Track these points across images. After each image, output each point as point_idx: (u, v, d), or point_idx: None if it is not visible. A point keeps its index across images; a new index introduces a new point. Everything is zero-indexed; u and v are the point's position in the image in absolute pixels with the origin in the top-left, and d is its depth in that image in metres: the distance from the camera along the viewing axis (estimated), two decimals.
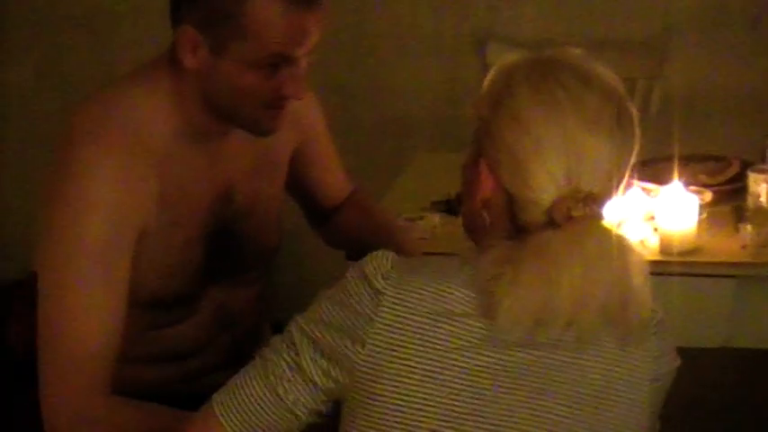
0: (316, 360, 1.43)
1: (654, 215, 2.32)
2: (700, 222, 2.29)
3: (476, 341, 1.39)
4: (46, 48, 3.75)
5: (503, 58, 1.51)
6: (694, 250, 2.27)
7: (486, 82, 1.48)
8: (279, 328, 2.13)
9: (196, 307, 1.89)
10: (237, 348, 1.96)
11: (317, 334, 1.44)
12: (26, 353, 3.12)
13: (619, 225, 2.18)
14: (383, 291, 1.41)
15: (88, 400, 1.68)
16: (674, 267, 2.21)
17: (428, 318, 1.39)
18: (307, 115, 2.02)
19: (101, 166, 1.69)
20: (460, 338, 1.39)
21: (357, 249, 2.12)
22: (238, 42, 1.67)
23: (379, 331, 1.40)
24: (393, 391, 1.39)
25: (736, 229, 2.34)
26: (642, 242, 2.27)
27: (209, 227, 1.85)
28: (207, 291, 1.89)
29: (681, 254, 2.25)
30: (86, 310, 1.68)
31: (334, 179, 2.16)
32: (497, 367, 1.39)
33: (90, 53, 3.69)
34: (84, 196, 1.68)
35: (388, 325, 1.40)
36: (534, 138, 1.40)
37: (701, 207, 2.31)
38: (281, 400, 1.44)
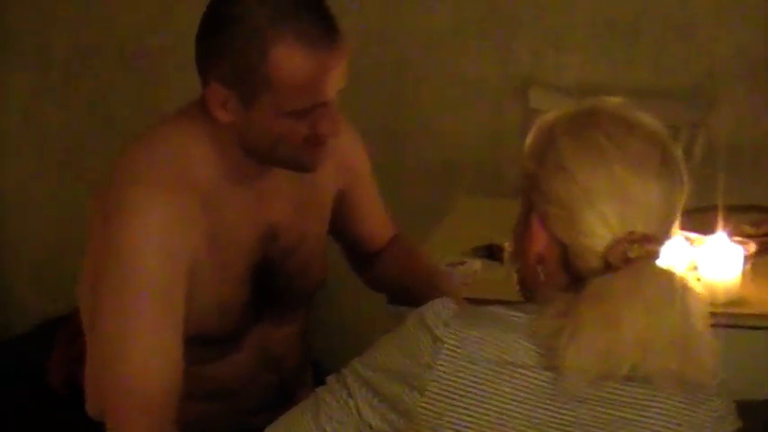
0: (373, 404, 1.44)
1: (697, 265, 2.30)
2: (744, 273, 2.27)
3: (539, 393, 1.39)
4: (90, 87, 3.78)
5: (542, 114, 1.52)
6: (738, 301, 2.25)
7: (529, 138, 1.50)
8: (318, 368, 2.14)
9: (239, 344, 1.89)
10: (283, 389, 1.97)
11: (375, 379, 1.44)
12: (65, 389, 3.14)
13: None
14: (443, 338, 1.41)
15: None
16: (717, 318, 2.18)
17: (489, 367, 1.39)
18: (353, 157, 2.03)
19: (149, 206, 1.70)
20: (523, 390, 1.39)
21: (399, 294, 2.13)
22: (267, 95, 1.68)
23: (437, 379, 1.40)
24: None
25: None
26: None
27: (254, 265, 1.86)
28: (251, 328, 1.90)
29: (725, 305, 2.23)
30: (151, 352, 1.69)
31: (377, 223, 2.16)
32: (560, 421, 1.39)
33: (134, 91, 3.72)
34: (137, 239, 1.69)
35: (448, 373, 1.40)
36: (582, 184, 1.41)
37: (746, 258, 2.29)
38: None
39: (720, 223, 2.33)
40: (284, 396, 1.96)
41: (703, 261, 2.28)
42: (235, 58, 1.67)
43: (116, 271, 1.70)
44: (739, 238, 2.37)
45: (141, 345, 1.69)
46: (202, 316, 1.80)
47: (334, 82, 1.71)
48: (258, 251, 1.86)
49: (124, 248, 1.69)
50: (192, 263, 1.74)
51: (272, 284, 1.89)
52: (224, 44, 1.68)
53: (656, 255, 1.42)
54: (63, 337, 3.31)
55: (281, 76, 1.66)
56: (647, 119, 1.47)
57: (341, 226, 2.09)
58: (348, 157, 2.00)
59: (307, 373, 2.08)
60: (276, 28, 1.65)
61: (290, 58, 1.66)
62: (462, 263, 2.46)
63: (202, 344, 1.83)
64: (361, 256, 2.19)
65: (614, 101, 1.49)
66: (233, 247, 1.82)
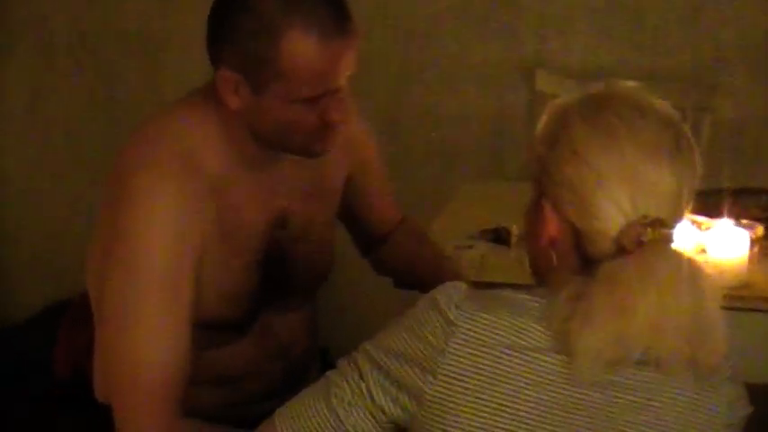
0: (384, 387, 1.44)
1: (704, 248, 2.30)
2: (751, 256, 2.27)
3: (551, 377, 1.38)
4: (95, 73, 3.77)
5: (550, 97, 1.51)
6: (745, 284, 2.25)
7: (540, 123, 1.49)
8: (325, 354, 2.14)
9: (246, 331, 1.89)
10: (291, 375, 1.97)
11: (386, 361, 1.44)
12: (72, 376, 3.14)
13: None
14: (456, 322, 1.41)
15: (167, 426, 1.69)
16: (724, 301, 2.18)
17: (501, 351, 1.39)
18: (361, 143, 2.03)
19: (158, 193, 1.70)
20: (535, 373, 1.38)
21: (406, 278, 2.13)
22: (278, 82, 1.68)
23: (450, 362, 1.40)
24: (466, 423, 1.39)
25: None
26: None
27: (264, 251, 1.86)
28: (258, 315, 1.90)
29: (732, 288, 2.22)
30: (157, 338, 1.69)
31: (385, 207, 2.17)
32: (572, 405, 1.39)
33: (139, 77, 3.71)
34: (145, 224, 1.69)
35: (461, 356, 1.40)
36: (595, 168, 1.40)
37: (753, 241, 2.29)
38: (341, 422, 1.46)
39: (727, 206, 2.33)
40: (290, 383, 1.96)
41: (711, 244, 2.27)
42: (246, 46, 1.66)
43: (123, 257, 1.70)
44: (746, 221, 2.37)
45: (147, 330, 1.69)
46: (210, 302, 1.79)
47: (345, 69, 1.71)
48: (267, 237, 1.86)
49: (132, 234, 1.69)
50: (200, 249, 1.74)
51: (280, 271, 1.89)
52: (236, 31, 1.67)
53: (669, 238, 1.42)
54: (67, 324, 3.31)
55: (293, 64, 1.66)
56: (660, 103, 1.46)
57: (350, 211, 2.09)
58: (357, 143, 1.99)
59: (314, 360, 2.07)
60: (288, 16, 1.64)
61: (301, 47, 1.65)
62: (469, 246, 2.46)
63: (210, 329, 1.83)
64: (369, 241, 2.20)
65: (627, 85, 1.49)
66: (242, 233, 1.81)
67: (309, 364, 2.04)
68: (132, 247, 1.69)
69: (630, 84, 1.50)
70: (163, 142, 1.75)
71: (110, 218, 1.73)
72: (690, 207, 1.47)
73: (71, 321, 3.27)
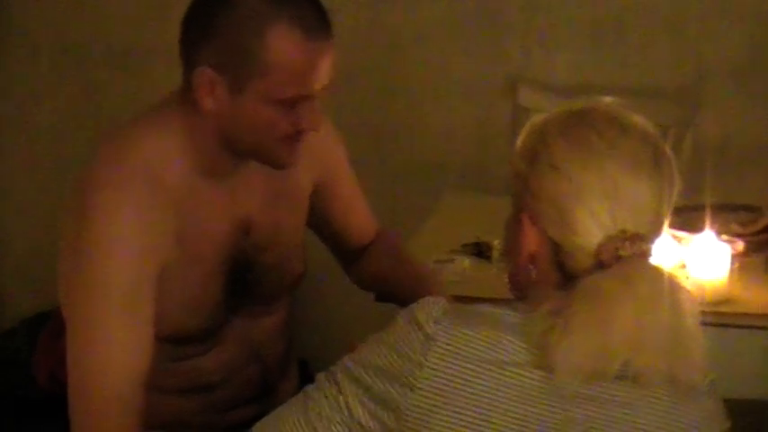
0: (363, 402, 1.44)
1: (685, 264, 2.30)
2: (731, 272, 2.27)
3: (530, 391, 1.39)
4: (78, 85, 3.77)
5: (532, 113, 1.52)
6: (726, 300, 2.25)
7: (520, 139, 1.50)
8: (305, 365, 2.14)
9: (220, 338, 1.89)
10: (266, 381, 1.97)
11: (365, 376, 1.44)
12: (49, 384, 3.13)
13: None
14: (434, 336, 1.41)
15: None
16: (705, 317, 2.19)
17: (480, 365, 1.39)
18: (328, 150, 2.02)
19: (119, 211, 1.70)
20: (514, 388, 1.39)
21: (386, 291, 2.13)
22: (258, 79, 1.68)
23: (429, 377, 1.40)
24: None
25: None
26: None
27: (228, 260, 1.86)
28: (230, 322, 1.90)
29: (712, 304, 2.22)
30: (115, 354, 1.69)
31: (358, 218, 2.16)
32: (551, 419, 1.39)
33: (123, 91, 3.70)
34: (106, 242, 1.70)
35: (439, 371, 1.40)
36: (574, 183, 1.41)
37: (733, 257, 2.29)
38: None
39: (708, 222, 2.33)
40: (266, 389, 1.96)
41: (691, 260, 2.28)
42: (230, 40, 1.67)
43: (85, 273, 1.71)
44: (727, 237, 2.37)
45: (107, 348, 1.69)
46: (178, 313, 1.80)
47: (323, 74, 1.72)
48: (231, 245, 1.86)
49: (93, 251, 1.70)
50: (162, 263, 1.75)
51: (247, 278, 1.89)
52: (219, 26, 1.68)
53: (647, 253, 1.42)
54: (48, 333, 3.30)
55: (276, 59, 1.66)
56: (639, 119, 1.47)
57: (321, 220, 2.08)
58: (324, 151, 1.99)
59: (290, 366, 2.07)
60: (274, 11, 1.66)
61: (286, 42, 1.66)
62: (450, 260, 2.46)
63: (181, 341, 1.83)
64: (347, 253, 2.19)
65: (606, 101, 1.50)
66: (205, 243, 1.82)
67: (286, 369, 2.04)
68: (93, 263, 1.70)
69: (610, 100, 1.50)
70: (126, 160, 1.74)
71: (72, 235, 1.73)
72: (669, 222, 1.47)
73: (51, 331, 3.27)
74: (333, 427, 1.45)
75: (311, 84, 1.71)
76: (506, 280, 1.55)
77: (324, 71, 1.71)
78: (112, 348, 1.69)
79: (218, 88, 1.70)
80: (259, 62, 1.67)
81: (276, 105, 1.70)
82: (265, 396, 1.94)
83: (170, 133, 1.77)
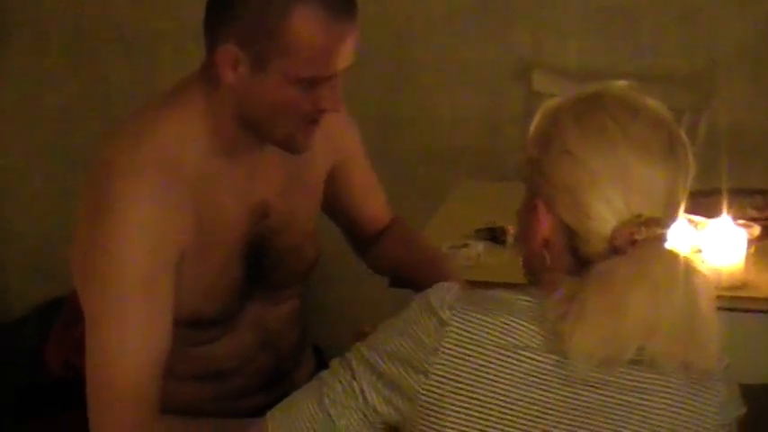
0: (377, 388, 1.44)
1: (701, 248, 2.29)
2: (747, 257, 2.26)
3: (544, 377, 1.39)
4: (87, 72, 3.77)
5: (545, 98, 1.51)
6: (742, 285, 2.25)
7: (533, 124, 1.50)
8: (319, 352, 2.13)
9: (234, 324, 1.89)
10: (280, 369, 1.97)
11: (379, 362, 1.44)
12: (64, 371, 3.14)
13: None
14: (448, 322, 1.41)
15: (138, 428, 1.69)
16: (721, 302, 2.18)
17: (494, 350, 1.39)
18: (343, 136, 2.02)
19: (138, 199, 1.69)
20: (528, 373, 1.39)
21: (400, 277, 2.12)
22: (282, 58, 1.68)
23: (443, 362, 1.40)
24: (458, 422, 1.39)
25: None
26: None
27: (246, 244, 1.86)
28: (245, 308, 1.89)
29: (728, 288, 2.22)
30: (133, 342, 1.69)
31: (373, 204, 2.16)
32: (565, 405, 1.39)
33: (132, 75, 3.71)
34: (124, 231, 1.69)
35: (453, 356, 1.40)
36: (588, 168, 1.40)
37: (749, 241, 2.28)
38: (333, 422, 1.46)
39: (724, 207, 2.33)
40: (281, 377, 1.96)
41: (707, 245, 2.27)
42: (254, 19, 1.66)
43: (103, 263, 1.70)
44: (743, 222, 2.36)
45: (126, 335, 1.69)
46: (196, 298, 1.79)
47: (346, 55, 1.71)
48: (249, 229, 1.85)
49: (112, 241, 1.69)
50: (180, 250, 1.74)
51: (263, 263, 1.89)
52: (245, 3, 1.67)
53: (662, 238, 1.41)
54: (61, 321, 3.30)
55: (299, 39, 1.66)
56: (653, 103, 1.46)
57: (336, 205, 2.08)
58: (340, 136, 1.99)
59: (304, 353, 2.07)
60: None
61: (310, 22, 1.66)
62: (465, 245, 2.46)
63: (196, 326, 1.83)
64: (361, 238, 2.18)
65: (620, 85, 1.49)
66: (223, 227, 1.81)
67: (300, 358, 2.03)
68: (112, 253, 1.69)
69: (623, 83, 1.49)
70: (141, 145, 1.73)
71: (88, 224, 1.73)
72: (684, 207, 1.46)
73: (64, 318, 3.27)
74: (347, 413, 1.45)
75: (334, 64, 1.70)
76: (520, 264, 1.55)
77: (348, 52, 1.71)
78: (131, 336, 1.69)
79: (241, 66, 1.69)
80: (283, 41, 1.66)
81: (298, 85, 1.70)
82: (278, 384, 1.94)
83: (189, 113, 1.77)
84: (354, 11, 1.71)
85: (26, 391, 3.22)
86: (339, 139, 2.00)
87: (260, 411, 1.57)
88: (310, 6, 1.65)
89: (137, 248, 1.69)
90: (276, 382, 1.94)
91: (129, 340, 1.69)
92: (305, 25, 1.66)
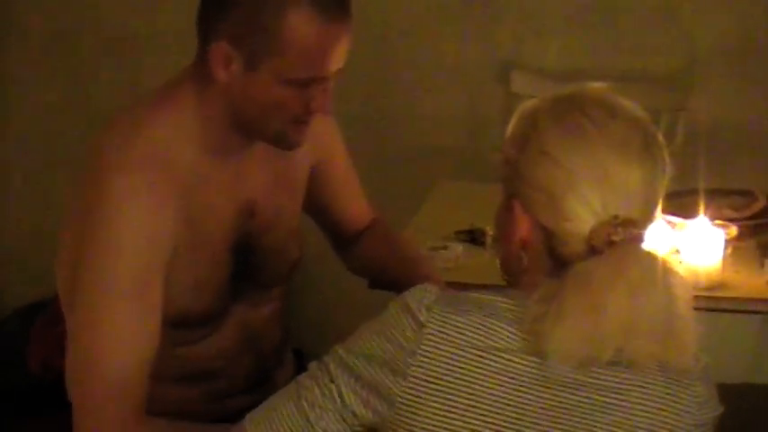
0: (355, 390, 1.44)
1: (678, 249, 2.30)
2: (725, 257, 2.27)
3: (522, 378, 1.39)
4: (71, 72, 3.76)
5: (524, 99, 1.52)
6: (719, 285, 2.26)
7: (511, 125, 1.50)
8: (299, 354, 2.14)
9: (220, 324, 1.89)
10: (262, 370, 1.97)
11: (357, 364, 1.44)
12: (44, 373, 3.13)
13: None
14: (426, 323, 1.41)
15: (121, 426, 1.69)
16: (699, 302, 2.19)
17: (472, 352, 1.39)
18: (324, 135, 2.01)
19: (129, 198, 1.69)
20: (507, 374, 1.39)
21: (380, 278, 2.13)
22: (274, 58, 1.68)
23: (421, 364, 1.40)
24: (436, 424, 1.39)
25: (762, 265, 2.33)
26: None
27: (233, 242, 1.86)
28: (231, 308, 1.89)
29: (706, 289, 2.23)
30: (121, 340, 1.68)
31: (354, 203, 2.16)
32: (543, 406, 1.39)
33: (116, 77, 3.70)
34: (116, 229, 1.69)
35: (431, 358, 1.40)
36: (565, 169, 1.40)
37: (727, 242, 2.29)
38: (311, 425, 1.45)
39: (701, 207, 2.33)
40: (263, 377, 1.96)
41: (685, 245, 2.28)
42: (249, 16, 1.66)
43: (95, 258, 1.70)
44: (720, 222, 2.37)
45: (114, 334, 1.69)
46: (184, 296, 1.79)
47: (339, 57, 1.71)
48: (236, 228, 1.86)
49: (104, 237, 1.69)
50: (171, 248, 1.74)
51: (250, 261, 1.89)
52: (239, 1, 1.67)
53: (639, 238, 1.42)
54: (42, 322, 3.30)
55: (294, 39, 1.66)
56: (630, 104, 1.47)
57: (317, 204, 2.08)
58: (321, 135, 1.98)
59: (285, 354, 2.07)
60: None
61: (305, 23, 1.66)
62: (444, 247, 2.46)
63: (182, 325, 1.82)
64: (342, 238, 2.19)
65: (597, 86, 1.50)
66: (212, 225, 1.82)
67: (282, 359, 2.04)
68: (103, 251, 1.69)
69: (600, 85, 1.50)
70: (133, 144, 1.74)
71: (80, 221, 1.72)
72: (661, 207, 1.47)
73: (45, 319, 3.27)
74: (325, 416, 1.45)
75: (327, 66, 1.70)
76: (498, 266, 1.55)
77: (340, 54, 1.71)
78: (119, 334, 1.68)
79: (234, 64, 1.70)
80: (276, 41, 1.66)
81: (289, 85, 1.70)
82: (261, 385, 1.94)
83: (181, 111, 1.77)
84: (349, 13, 1.71)
85: (9, 392, 3.21)
86: (321, 138, 2.00)
87: (243, 413, 1.56)
88: (306, 7, 1.65)
89: (129, 245, 1.69)
90: (259, 384, 1.95)
91: (117, 337, 1.68)
92: (299, 25, 1.66)
